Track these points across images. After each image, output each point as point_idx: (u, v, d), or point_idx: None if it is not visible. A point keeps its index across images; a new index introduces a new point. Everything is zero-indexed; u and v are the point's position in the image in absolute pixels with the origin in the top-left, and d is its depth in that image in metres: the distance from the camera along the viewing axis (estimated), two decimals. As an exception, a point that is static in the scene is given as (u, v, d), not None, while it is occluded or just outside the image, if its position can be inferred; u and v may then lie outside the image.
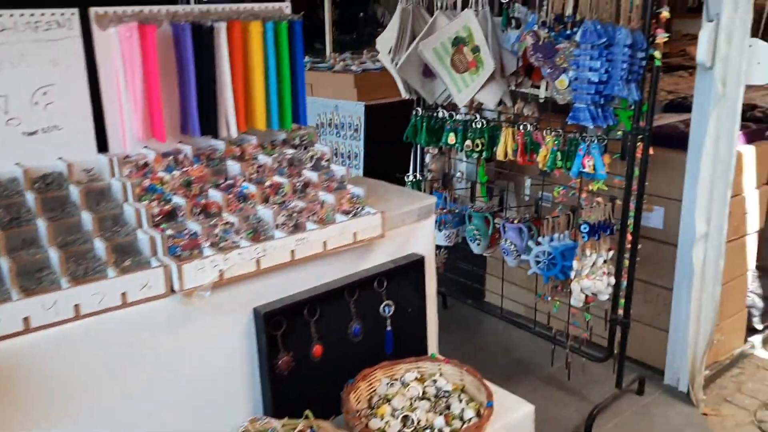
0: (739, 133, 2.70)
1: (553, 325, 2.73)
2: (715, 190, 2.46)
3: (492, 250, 2.85)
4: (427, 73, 2.80)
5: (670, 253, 2.72)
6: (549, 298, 2.60)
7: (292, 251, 1.43)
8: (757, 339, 3.08)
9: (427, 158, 3.12)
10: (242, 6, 1.52)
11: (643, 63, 2.24)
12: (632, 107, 2.32)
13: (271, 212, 1.44)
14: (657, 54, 2.27)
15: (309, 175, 1.58)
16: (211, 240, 1.37)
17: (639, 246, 2.47)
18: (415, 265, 1.69)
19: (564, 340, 2.66)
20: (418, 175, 3.08)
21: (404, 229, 1.68)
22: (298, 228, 1.46)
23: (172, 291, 1.35)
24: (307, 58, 4.83)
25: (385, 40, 2.87)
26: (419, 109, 2.93)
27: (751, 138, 2.79)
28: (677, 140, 2.68)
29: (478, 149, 2.70)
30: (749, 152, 2.74)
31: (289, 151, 1.64)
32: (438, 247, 3.05)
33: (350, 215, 1.53)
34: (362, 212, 1.54)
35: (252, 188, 1.49)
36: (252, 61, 1.52)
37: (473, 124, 2.70)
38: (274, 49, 1.53)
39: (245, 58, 1.52)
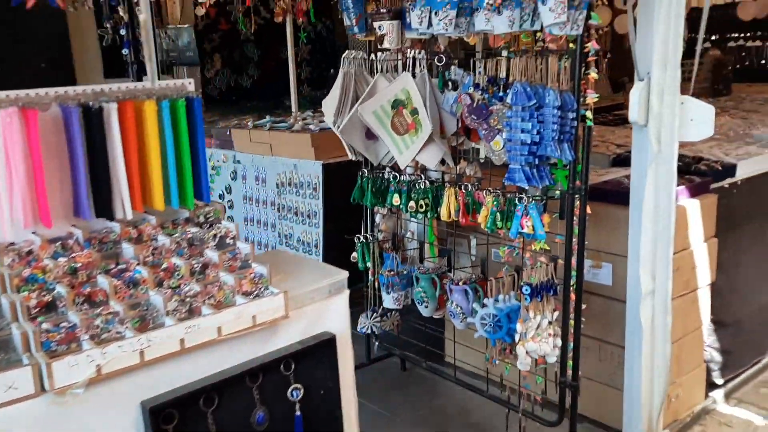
0: (678, 189, 2.71)
1: (507, 387, 2.66)
2: (658, 247, 2.43)
3: (441, 312, 2.80)
4: (371, 135, 2.80)
5: (620, 309, 2.67)
6: (497, 362, 2.54)
7: (182, 339, 1.37)
8: (718, 394, 3.02)
9: (377, 218, 3.09)
10: (140, 85, 1.51)
11: (575, 123, 2.24)
12: (567, 166, 2.32)
13: (161, 298, 1.39)
14: (588, 114, 2.28)
15: (210, 255, 1.54)
16: (91, 332, 1.31)
17: (584, 306, 2.43)
18: (327, 344, 1.63)
19: (517, 404, 2.59)
20: (368, 236, 3.04)
21: (314, 306, 1.63)
22: (192, 313, 1.41)
23: (43, 390, 1.28)
24: (267, 118, 4.86)
25: (329, 103, 2.87)
26: (365, 170, 2.92)
27: (696, 191, 2.79)
28: (622, 196, 2.67)
29: (422, 210, 2.68)
30: (694, 206, 2.73)
31: (193, 230, 1.60)
32: (389, 310, 3.00)
33: (251, 296, 1.48)
34: (264, 293, 1.49)
35: (145, 272, 1.44)
36: (147, 141, 1.49)
37: (417, 185, 2.69)
38: (172, 127, 1.51)
39: (140, 137, 1.49)
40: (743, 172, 3.00)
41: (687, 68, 5.72)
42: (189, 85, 1.59)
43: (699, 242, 2.77)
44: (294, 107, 5.60)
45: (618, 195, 2.71)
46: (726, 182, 2.94)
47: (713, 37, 7.04)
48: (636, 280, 2.50)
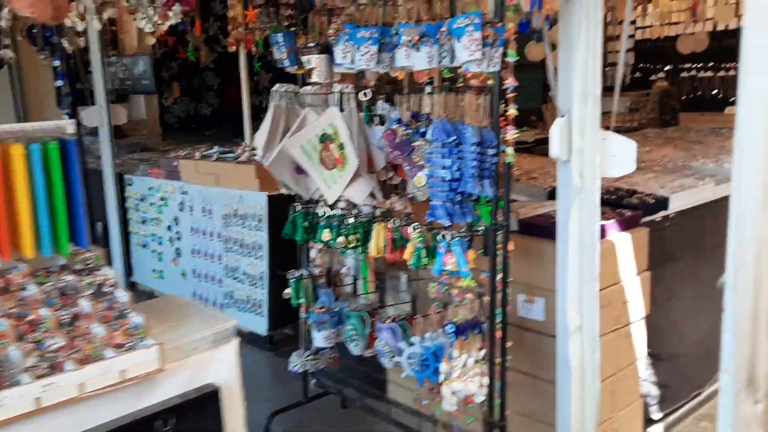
0: (608, 224, 2.72)
1: (440, 426, 2.60)
2: (584, 283, 2.42)
3: (371, 351, 2.74)
4: (300, 169, 2.76)
5: (553, 345, 2.64)
6: (425, 401, 2.48)
7: (38, 399, 1.30)
8: (657, 429, 2.99)
9: (313, 253, 3.04)
10: (10, 127, 1.45)
11: (495, 159, 2.23)
12: (491, 202, 2.30)
13: (19, 353, 1.32)
14: (509, 151, 2.27)
15: (83, 305, 1.48)
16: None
17: (509, 343, 2.40)
18: (210, 397, 1.57)
19: (447, 443, 2.53)
20: (303, 272, 2.98)
21: (197, 357, 1.57)
22: (54, 369, 1.34)
23: None
24: (215, 148, 4.81)
25: (260, 137, 2.83)
26: (297, 204, 2.87)
27: (627, 225, 2.79)
28: (552, 230, 2.66)
29: (351, 246, 2.64)
30: (625, 240, 2.73)
31: (68, 278, 1.54)
32: (323, 347, 2.94)
33: (123, 349, 1.41)
34: (138, 345, 1.43)
35: (6, 325, 1.38)
36: (14, 185, 1.43)
37: (346, 220, 2.65)
38: (43, 170, 1.46)
39: (6, 181, 1.43)
40: (677, 205, 3.02)
41: (636, 99, 5.82)
42: (69, 126, 1.54)
43: (631, 276, 2.76)
44: (247, 136, 5.56)
45: (549, 229, 2.69)
46: (659, 215, 2.95)
47: (666, 68, 7.19)
48: (564, 316, 2.48)
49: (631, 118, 5.29)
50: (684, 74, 7.01)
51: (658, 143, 4.52)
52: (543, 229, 2.69)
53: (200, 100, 7.78)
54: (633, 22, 7.37)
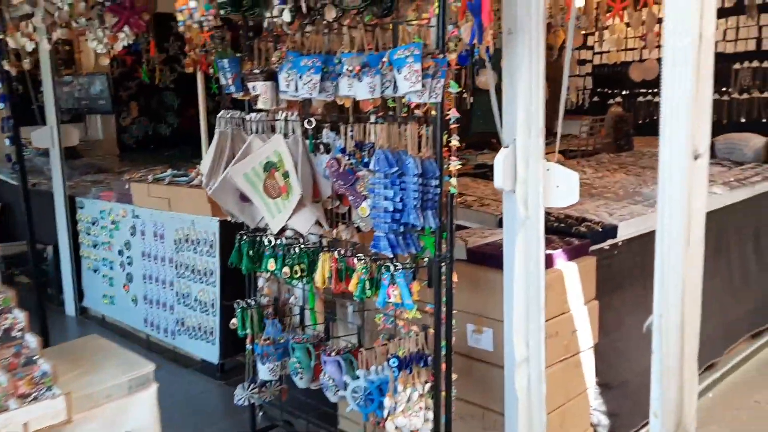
0: (555, 253, 2.71)
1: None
2: (530, 313, 2.40)
3: (317, 384, 2.67)
4: (245, 197, 2.70)
5: (501, 376, 2.61)
6: (370, 436, 2.43)
7: None
8: (607, 458, 2.97)
9: (260, 282, 2.97)
10: None
11: (437, 190, 2.21)
12: (435, 233, 2.27)
13: None
14: (452, 182, 2.25)
15: (-13, 350, 1.40)
16: None
17: (454, 376, 2.36)
18: (125, 444, 1.50)
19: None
20: (249, 301, 2.91)
21: (111, 406, 1.50)
22: (-54, 423, 1.26)
23: None
24: (169, 171, 4.71)
25: (204, 164, 2.77)
26: (243, 232, 2.81)
27: (574, 254, 2.79)
28: (500, 259, 2.64)
29: (297, 276, 2.58)
30: (572, 269, 2.73)
31: (-28, 322, 1.46)
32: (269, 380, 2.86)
33: (28, 400, 1.34)
34: (44, 395, 1.35)
35: None
36: None
37: (292, 250, 2.60)
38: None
39: None
40: (625, 233, 3.03)
41: (591, 124, 5.88)
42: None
43: (579, 305, 2.75)
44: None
45: (497, 258, 2.67)
46: (607, 243, 2.96)
47: (623, 92, 7.32)
48: (511, 347, 2.46)
49: (586, 143, 5.35)
50: (640, 99, 7.15)
51: (612, 168, 4.57)
52: (491, 258, 2.67)
53: (159, 120, 7.68)
54: (591, 48, 7.53)
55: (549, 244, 2.81)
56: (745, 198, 3.90)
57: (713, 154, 4.81)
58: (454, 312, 2.38)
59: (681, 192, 1.28)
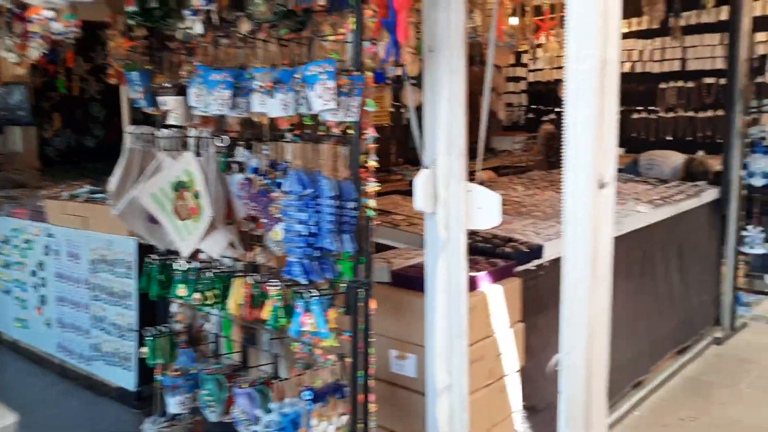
0: (479, 275, 2.65)
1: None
2: (452, 340, 2.32)
3: (230, 417, 2.52)
4: (155, 219, 2.54)
5: (424, 403, 2.53)
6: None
7: None
8: (535, 482, 2.92)
9: (174, 307, 2.80)
10: None
11: (354, 213, 2.11)
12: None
13: None
14: (371, 203, 2.16)
15: None
16: None
17: (372, 408, 2.25)
18: None
19: None
20: (161, 328, 2.74)
21: None
22: None
23: None
24: (87, 188, 4.47)
25: (112, 183, 2.60)
26: (153, 255, 2.64)
27: (500, 275, 2.74)
28: (423, 282, 2.57)
29: (209, 302, 2.44)
30: (498, 291, 2.67)
31: None
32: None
33: None
34: None
35: None
36: None
37: (204, 274, 2.45)
38: None
39: None
40: (550, 253, 3.01)
41: (524, 141, 5.92)
42: None
43: (504, 328, 2.70)
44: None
45: (420, 281, 2.59)
46: (533, 264, 2.92)
47: (557, 109, 7.44)
48: (433, 374, 2.38)
49: (518, 159, 5.38)
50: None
51: (543, 185, 4.58)
52: (414, 281, 2.59)
53: (84, 132, 7.34)
54: (525, 65, 7.63)
55: (474, 265, 2.75)
56: (669, 216, 3.96)
57: (637, 172, 4.90)
58: (376, 337, 2.28)
59: (586, 224, 1.22)
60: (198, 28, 2.33)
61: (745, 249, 4.53)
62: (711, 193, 4.47)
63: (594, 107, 1.23)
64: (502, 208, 3.80)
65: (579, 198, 1.26)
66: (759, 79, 4.61)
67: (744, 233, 4.52)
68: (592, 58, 1.20)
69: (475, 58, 4.72)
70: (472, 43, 4.42)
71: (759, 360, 4.25)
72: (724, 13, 5.61)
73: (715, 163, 4.80)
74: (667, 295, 4.06)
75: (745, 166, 4.48)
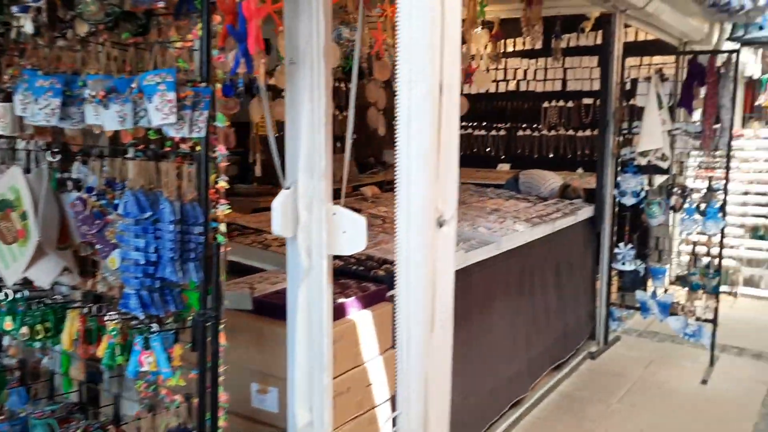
0: (348, 301, 2.52)
1: None
2: (314, 374, 2.16)
3: (62, 467, 2.23)
4: (-24, 241, 2.21)
5: (288, 441, 2.35)
6: None
7: None
8: None
9: (6, 340, 2.47)
10: None
11: (201, 239, 1.90)
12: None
13: None
14: (221, 228, 1.96)
15: None
16: None
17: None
18: None
19: None
20: (-12, 364, 2.40)
21: None
22: None
23: None
24: None
25: (-76, 200, 2.24)
26: (-23, 283, 2.31)
27: (369, 301, 2.61)
28: (285, 311, 2.39)
29: (39, 337, 2.14)
30: (367, 317, 2.54)
31: None
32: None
33: None
34: None
35: None
36: None
37: (32, 306, 2.15)
38: None
39: None
40: (425, 275, 2.92)
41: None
42: None
43: (374, 356, 2.58)
44: None
45: (282, 309, 2.41)
46: (407, 287, 2.82)
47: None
48: (294, 410, 2.20)
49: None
50: (461, 131, 7.34)
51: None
52: (276, 309, 2.41)
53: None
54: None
55: (344, 291, 2.62)
56: (546, 234, 4.01)
57: (518, 189, 4.96)
58: (238, 370, 2.09)
59: (423, 268, 1.11)
60: (28, 27, 2.05)
61: (617, 266, 4.69)
62: (586, 211, 4.60)
63: (429, 137, 1.11)
64: (383, 227, 3.73)
65: (414, 239, 1.14)
66: (630, 102, 4.79)
67: (616, 250, 4.68)
68: (425, 82, 1.08)
69: (364, 71, 4.63)
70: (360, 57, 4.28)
71: (629, 374, 4.39)
72: (600, 38, 5.84)
73: (591, 181, 4.96)
74: (545, 311, 4.11)
75: (617, 185, 4.65)
